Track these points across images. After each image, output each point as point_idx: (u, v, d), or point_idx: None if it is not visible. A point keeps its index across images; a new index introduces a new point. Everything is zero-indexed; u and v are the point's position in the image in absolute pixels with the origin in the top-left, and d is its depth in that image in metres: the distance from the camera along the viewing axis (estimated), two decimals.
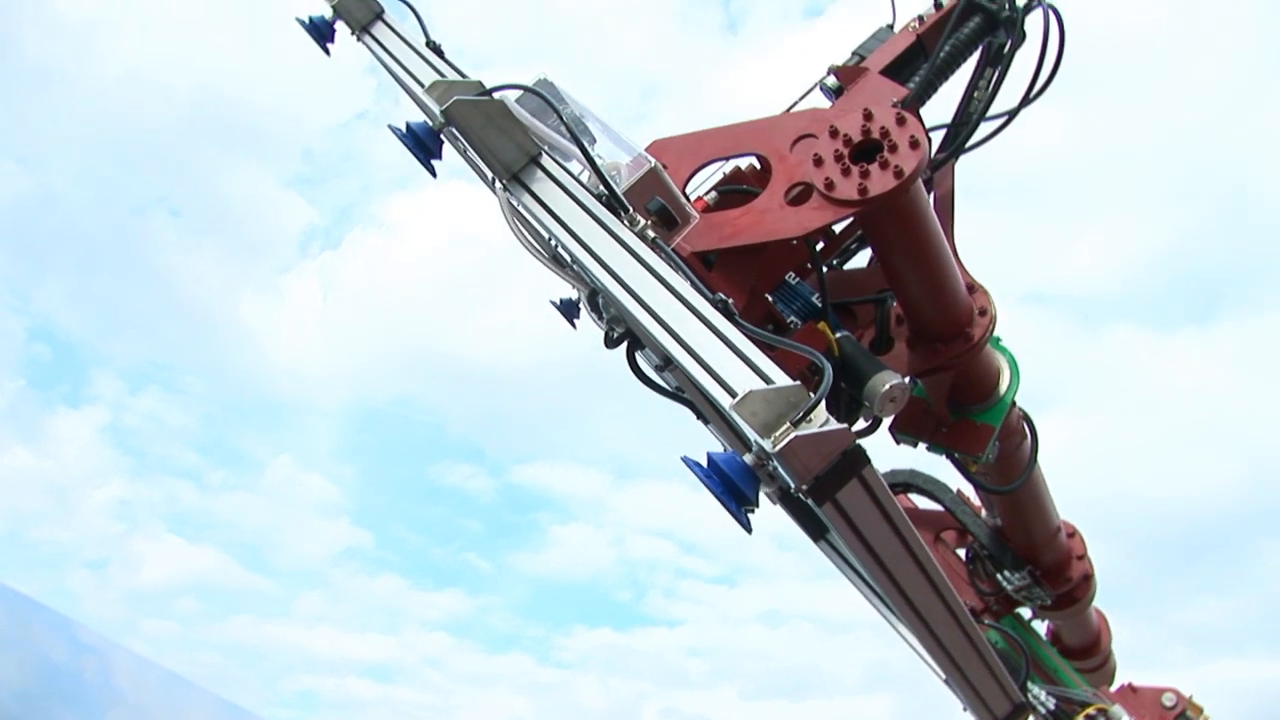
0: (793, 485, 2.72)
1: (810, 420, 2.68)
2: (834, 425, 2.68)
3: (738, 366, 2.92)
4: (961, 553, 6.92)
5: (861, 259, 4.91)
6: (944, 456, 5.11)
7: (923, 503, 6.88)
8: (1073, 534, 6.63)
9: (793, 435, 2.62)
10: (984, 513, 6.62)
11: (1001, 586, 6.56)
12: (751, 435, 2.67)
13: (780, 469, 2.69)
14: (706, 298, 3.19)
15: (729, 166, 4.53)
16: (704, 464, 2.75)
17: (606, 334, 4.57)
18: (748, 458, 2.72)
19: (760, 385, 2.77)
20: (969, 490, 6.66)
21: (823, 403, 2.71)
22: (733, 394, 2.80)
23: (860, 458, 2.74)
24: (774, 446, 2.62)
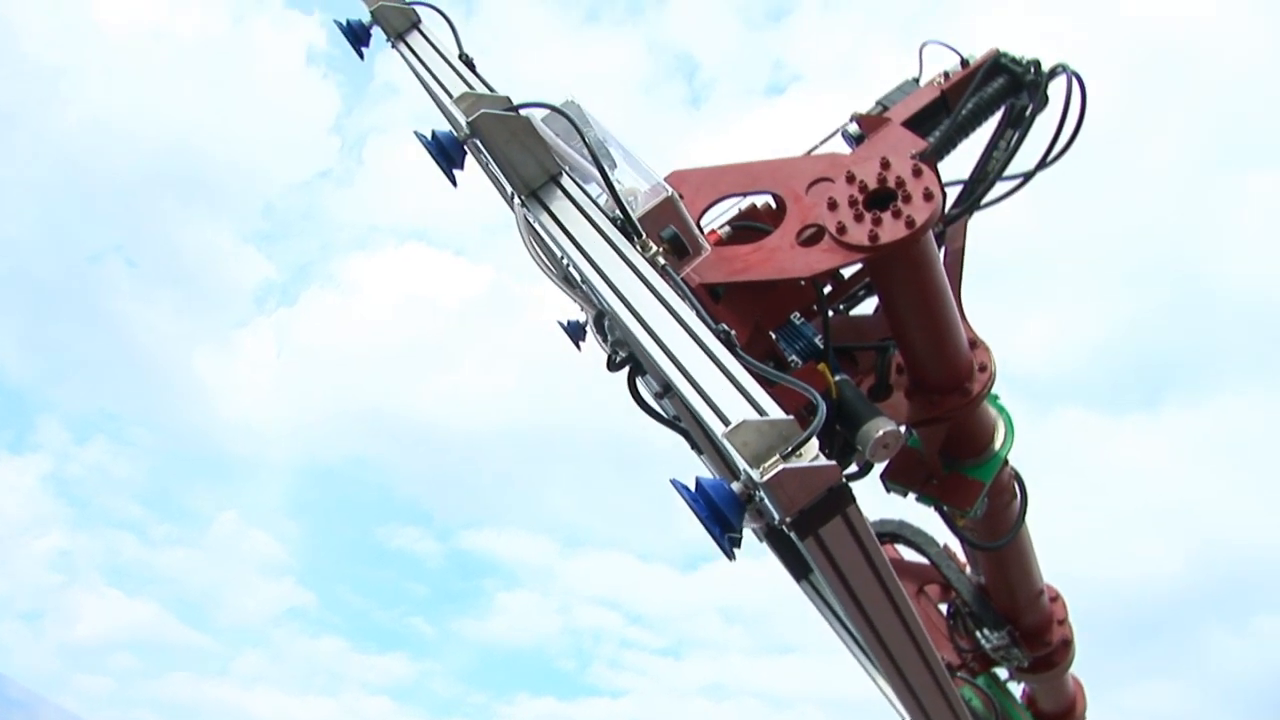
0: (777, 517, 2.76)
1: (800, 455, 2.72)
2: (823, 461, 2.72)
3: (734, 397, 2.96)
4: (944, 608, 6.94)
5: (867, 306, 4.97)
6: (933, 508, 5.14)
7: (910, 555, 6.90)
8: (1055, 598, 6.65)
9: (781, 467, 2.66)
10: (969, 570, 6.65)
11: (980, 645, 6.58)
12: (740, 464, 2.72)
13: (766, 500, 2.73)
14: (710, 327, 3.24)
15: (745, 203, 4.59)
16: (692, 488, 2.79)
17: (610, 357, 4.62)
18: (735, 486, 2.76)
19: (755, 416, 2.82)
20: (956, 546, 6.69)
21: (814, 439, 2.76)
22: (726, 422, 2.84)
23: (846, 496, 2.78)
24: (762, 476, 2.66)
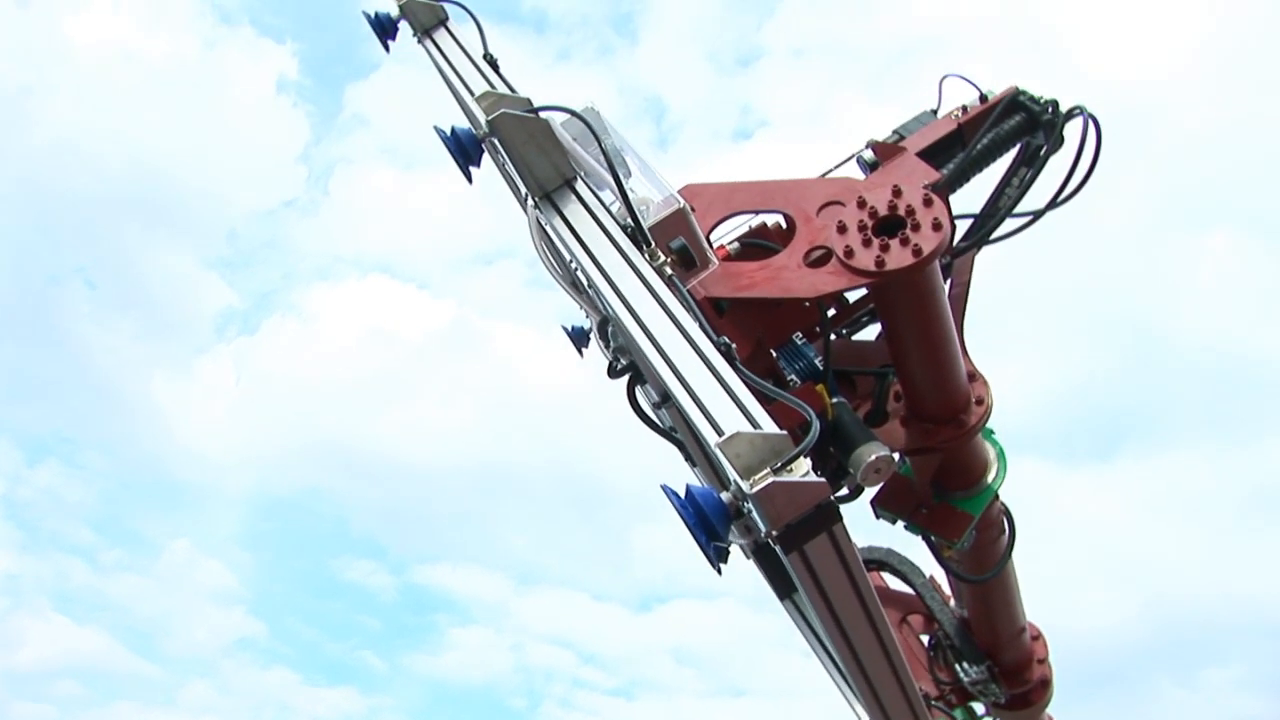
0: (763, 530, 2.79)
1: (791, 470, 2.76)
2: (813, 478, 2.75)
3: (730, 409, 2.99)
4: (926, 639, 6.96)
5: (869, 333, 5.01)
6: (920, 538, 5.17)
7: (896, 584, 6.93)
8: (1037, 637, 6.68)
9: (771, 480, 2.69)
10: (952, 602, 6.67)
11: (959, 677, 6.60)
12: (731, 474, 2.75)
13: (754, 511, 2.76)
14: (711, 339, 3.28)
15: (756, 221, 4.62)
16: (682, 496, 2.83)
17: (611, 364, 4.66)
18: (724, 496, 2.79)
19: (749, 429, 2.85)
20: (942, 578, 6.71)
21: (806, 456, 2.79)
22: (721, 433, 2.87)
23: (833, 514, 2.81)
24: (751, 488, 2.69)
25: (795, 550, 2.86)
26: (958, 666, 6.58)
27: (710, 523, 2.77)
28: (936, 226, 3.91)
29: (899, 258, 3.89)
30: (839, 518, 2.85)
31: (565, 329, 5.77)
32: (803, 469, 2.77)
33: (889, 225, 3.96)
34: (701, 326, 3.34)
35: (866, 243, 3.94)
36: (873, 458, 3.82)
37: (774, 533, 2.78)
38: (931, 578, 6.79)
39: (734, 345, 3.27)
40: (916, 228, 3.91)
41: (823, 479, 2.76)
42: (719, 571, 5.42)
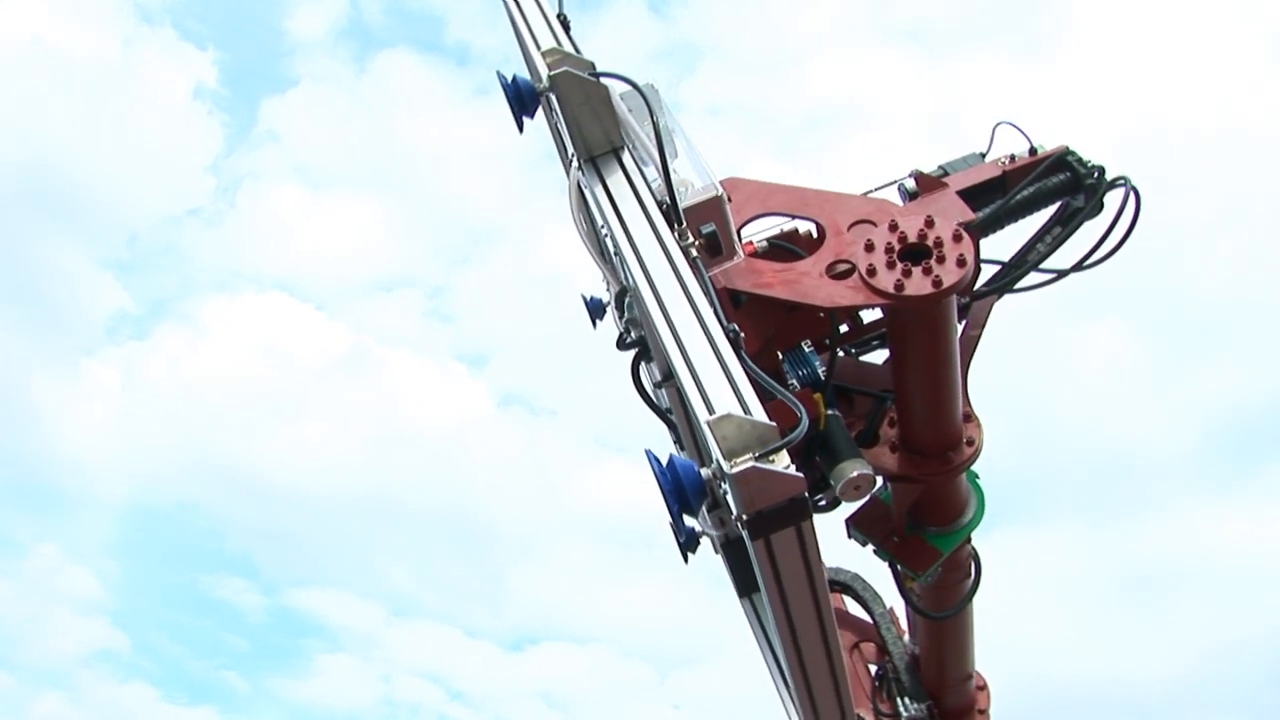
0: (734, 511, 2.88)
1: (772, 461, 2.85)
2: (791, 472, 2.84)
3: (726, 392, 3.09)
4: (874, 669, 7.03)
5: (876, 357, 5.07)
6: (888, 565, 5.24)
7: (856, 610, 7.01)
8: (982, 687, 6.76)
9: (751, 465, 2.78)
10: (906, 638, 6.74)
11: (899, 711, 6.66)
12: (715, 452, 2.84)
13: (729, 492, 2.85)
14: (722, 325, 3.37)
15: (789, 225, 4.70)
16: (663, 463, 2.92)
17: (621, 335, 4.74)
18: (704, 471, 2.89)
19: (740, 414, 2.93)
20: (901, 612, 6.78)
21: (787, 451, 2.88)
22: (712, 412, 2.96)
23: (804, 510, 2.89)
24: (731, 468, 2.78)
25: (761, 538, 2.94)
26: (900, 701, 6.65)
27: (685, 493, 2.86)
28: (961, 263, 3.97)
29: (919, 285, 3.95)
30: (809, 515, 2.94)
31: (584, 298, 5.84)
32: (783, 462, 2.85)
33: (915, 252, 4.02)
34: (715, 311, 3.42)
35: (890, 265, 4.01)
36: (855, 474, 3.88)
37: (744, 517, 2.87)
38: (891, 610, 6.85)
39: (743, 335, 3.36)
40: (941, 260, 3.98)
41: (800, 475, 2.84)
42: (685, 559, 5.52)
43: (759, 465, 2.78)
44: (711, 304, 3.45)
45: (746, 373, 3.19)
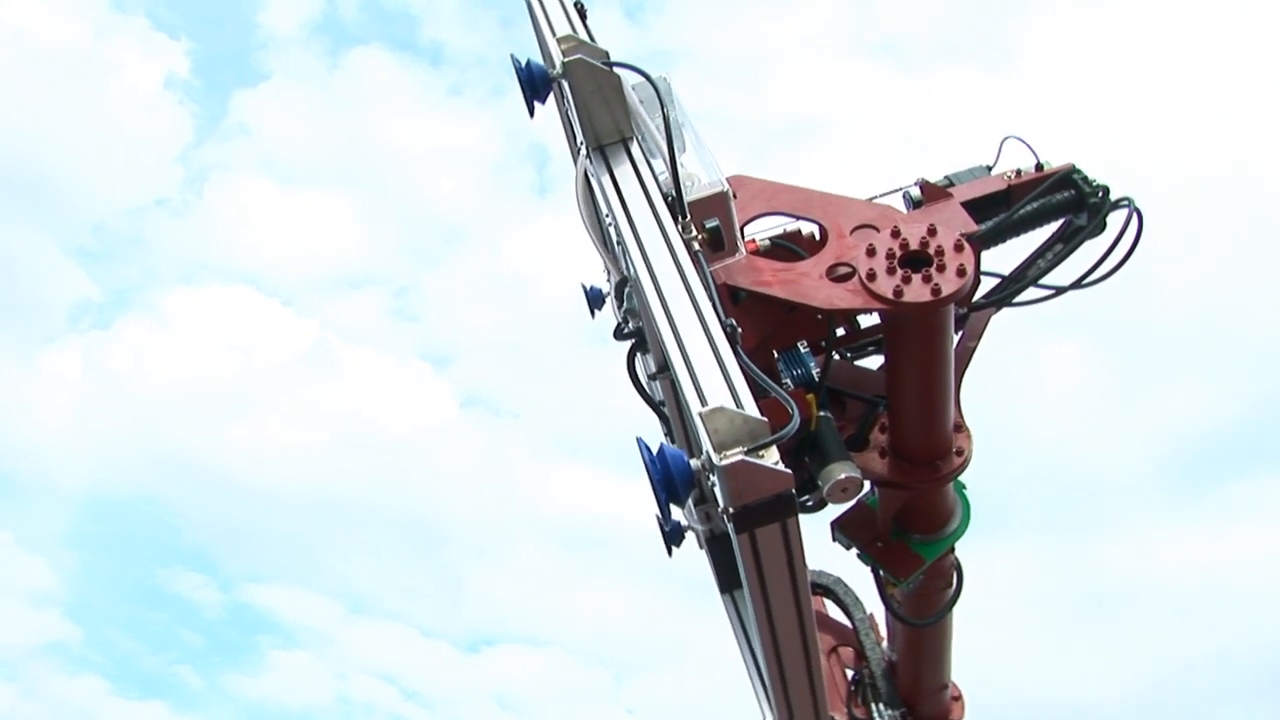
0: (721, 504, 2.90)
1: (762, 456, 2.86)
2: (779, 468, 2.86)
3: (720, 385, 3.10)
4: (850, 673, 7.06)
5: (870, 363, 5.09)
6: (870, 569, 5.27)
7: (836, 615, 7.04)
8: (957, 698, 6.78)
9: (741, 458, 2.80)
10: (885, 644, 6.77)
11: (873, 717, 6.69)
12: (706, 444, 2.86)
13: (717, 484, 2.87)
14: (720, 320, 3.39)
15: (792, 225, 4.72)
16: (654, 451, 2.94)
17: (619, 325, 4.77)
18: (694, 462, 2.91)
19: (732, 408, 2.95)
20: (881, 619, 6.81)
21: (776, 447, 2.90)
22: (705, 404, 2.98)
23: (790, 506, 2.91)
24: (720, 460, 2.80)
25: (746, 532, 2.96)
26: (874, 706, 6.67)
27: (674, 482, 2.88)
28: (960, 272, 3.99)
29: (917, 292, 3.98)
30: (795, 512, 2.96)
31: (583, 287, 5.86)
32: (773, 458, 2.87)
33: (916, 260, 4.04)
34: (714, 305, 3.44)
35: (890, 271, 4.03)
36: (843, 476, 3.90)
37: (730, 509, 2.89)
38: (871, 616, 6.89)
39: (740, 330, 3.38)
40: (941, 269, 4.00)
41: (788, 471, 2.86)
42: (669, 551, 5.53)
43: (748, 459, 2.80)
44: (711, 298, 3.47)
45: (742, 368, 3.21)
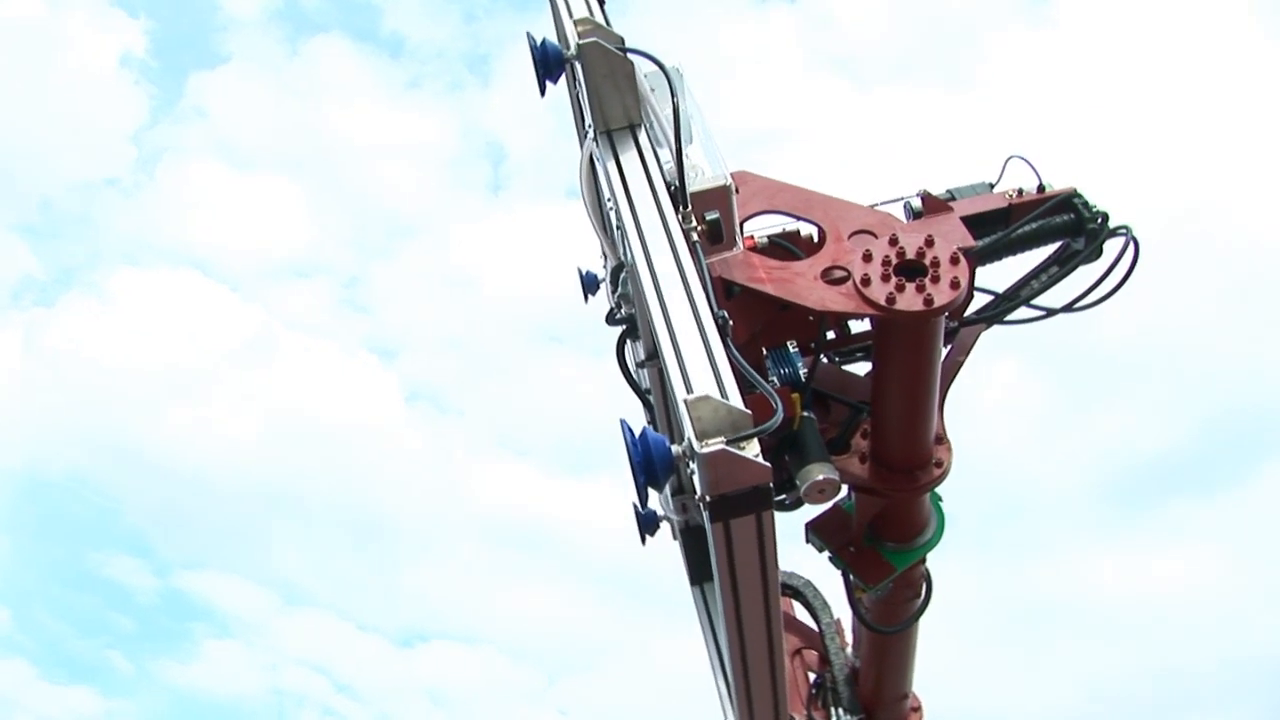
0: (699, 492, 2.92)
1: (743, 447, 2.89)
2: (759, 460, 2.88)
3: (707, 375, 3.12)
4: (812, 677, 7.11)
5: (857, 369, 5.12)
6: (841, 573, 5.30)
7: (804, 617, 7.07)
8: (916, 709, 6.83)
9: (721, 448, 2.83)
10: (849, 650, 6.81)
11: None
12: (689, 431, 2.88)
13: (696, 472, 2.90)
14: (712, 311, 3.41)
15: (791, 226, 4.74)
16: (636, 435, 2.97)
17: (611, 310, 4.79)
18: (675, 448, 2.93)
19: (718, 398, 2.98)
20: (847, 624, 6.85)
21: (758, 440, 2.92)
22: (691, 391, 3.01)
23: (767, 499, 2.94)
24: (702, 448, 2.82)
25: (721, 521, 2.99)
26: (834, 710, 6.72)
27: (654, 466, 2.91)
28: (954, 285, 4.03)
29: (910, 301, 4.01)
30: (771, 505, 2.99)
31: (579, 271, 5.88)
32: (754, 450, 2.90)
33: (911, 269, 4.07)
34: (708, 296, 3.47)
35: (885, 278, 4.06)
36: (820, 477, 3.92)
37: (707, 498, 2.92)
38: (838, 621, 6.92)
39: (732, 323, 3.40)
40: (936, 280, 4.03)
41: (768, 464, 2.89)
42: (643, 540, 5.55)
43: (729, 449, 2.83)
44: (706, 289, 3.49)
45: (730, 360, 3.24)
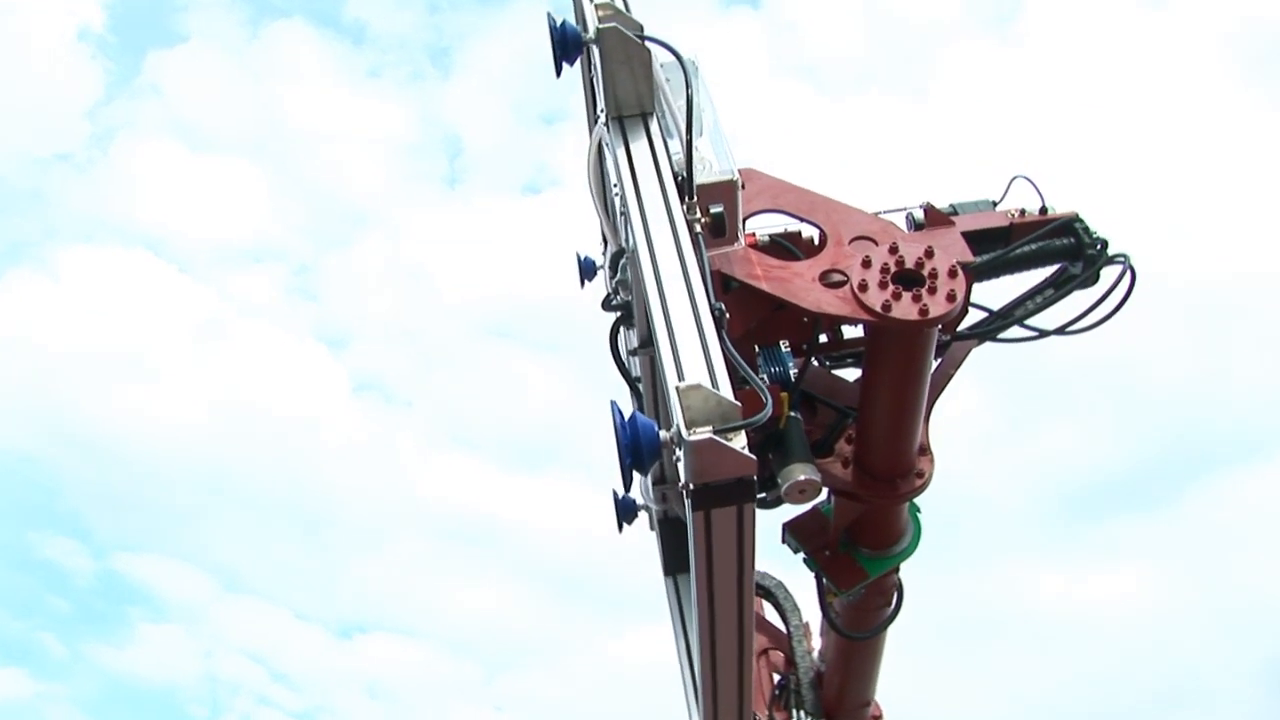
0: (682, 479, 2.94)
1: (730, 439, 2.91)
2: (745, 453, 2.90)
3: (700, 364, 3.14)
4: (777, 678, 7.14)
5: (846, 375, 5.15)
6: (814, 576, 5.34)
7: (772, 618, 7.10)
8: (878, 717, 6.87)
9: (709, 436, 2.84)
10: (815, 654, 6.85)
11: None
12: (678, 418, 2.90)
13: (682, 459, 2.91)
14: (710, 302, 3.43)
15: (793, 226, 4.77)
16: (625, 417, 2.99)
17: (608, 296, 4.81)
18: (663, 434, 2.95)
19: (709, 387, 3.00)
20: (816, 628, 6.89)
21: (745, 434, 2.94)
22: (683, 379, 3.03)
23: (750, 491, 2.96)
24: (689, 435, 2.84)
25: (703, 510, 3.01)
26: (796, 712, 6.76)
27: (641, 450, 2.93)
28: (951, 298, 4.05)
29: (905, 310, 4.04)
30: (753, 498, 3.00)
31: (578, 256, 5.90)
32: (740, 442, 2.91)
33: (909, 278, 4.10)
34: (707, 287, 3.49)
35: (883, 285, 4.09)
36: (802, 477, 3.94)
37: (691, 485, 2.93)
38: (806, 625, 6.96)
39: (728, 315, 3.43)
40: (933, 291, 4.06)
41: (753, 457, 2.91)
42: (620, 527, 5.57)
43: (716, 439, 2.85)
44: (705, 279, 3.51)
45: (724, 353, 3.26)
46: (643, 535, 5.71)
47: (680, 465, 2.95)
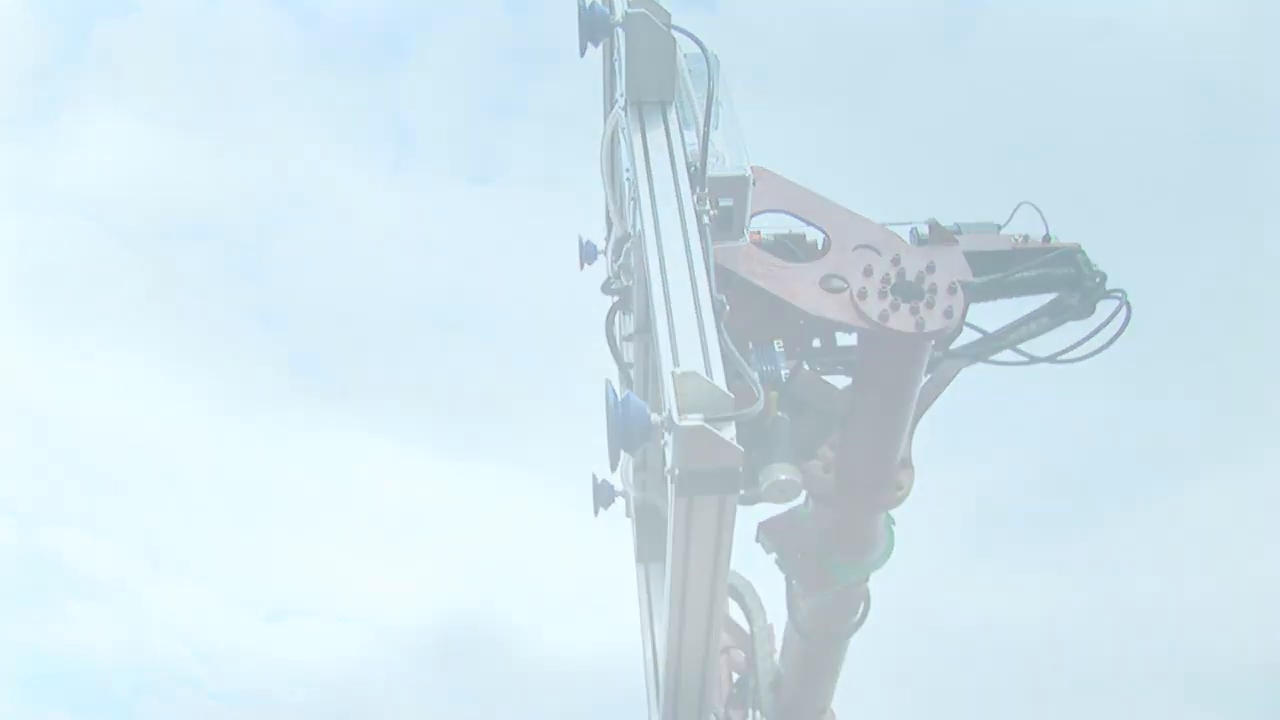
0: (669, 463, 2.97)
1: (720, 429, 2.94)
2: (733, 444, 2.93)
3: (696, 352, 3.18)
4: (735, 676, 7.17)
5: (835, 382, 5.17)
6: (784, 577, 5.38)
7: (737, 618, 7.14)
8: None
9: (700, 424, 2.87)
10: (777, 657, 6.88)
11: None
12: (670, 403, 2.92)
13: (670, 444, 2.95)
14: (711, 293, 3.46)
15: (799, 229, 4.79)
16: (619, 398, 3.02)
17: (608, 279, 4.83)
18: (655, 416, 2.98)
19: (704, 376, 3.03)
20: (779, 631, 6.92)
21: (734, 425, 2.97)
22: (679, 366, 3.06)
23: (734, 482, 2.99)
24: (680, 421, 2.87)
25: (686, 496, 3.04)
26: (752, 712, 6.80)
27: (632, 430, 2.96)
28: (948, 314, 4.09)
29: (902, 321, 4.07)
30: (736, 489, 3.04)
31: (579, 239, 5.90)
32: (729, 433, 2.94)
33: (908, 290, 4.13)
34: (709, 278, 3.52)
35: (882, 294, 4.12)
36: (783, 477, 3.95)
37: (677, 470, 2.96)
38: (770, 627, 6.99)
39: (729, 306, 3.46)
40: (930, 305, 4.09)
41: (740, 448, 2.94)
42: (595, 511, 5.59)
43: (707, 426, 2.87)
44: (708, 270, 3.54)
45: (720, 344, 3.28)
46: (590, 527, 5.66)
47: (668, 450, 2.98)
